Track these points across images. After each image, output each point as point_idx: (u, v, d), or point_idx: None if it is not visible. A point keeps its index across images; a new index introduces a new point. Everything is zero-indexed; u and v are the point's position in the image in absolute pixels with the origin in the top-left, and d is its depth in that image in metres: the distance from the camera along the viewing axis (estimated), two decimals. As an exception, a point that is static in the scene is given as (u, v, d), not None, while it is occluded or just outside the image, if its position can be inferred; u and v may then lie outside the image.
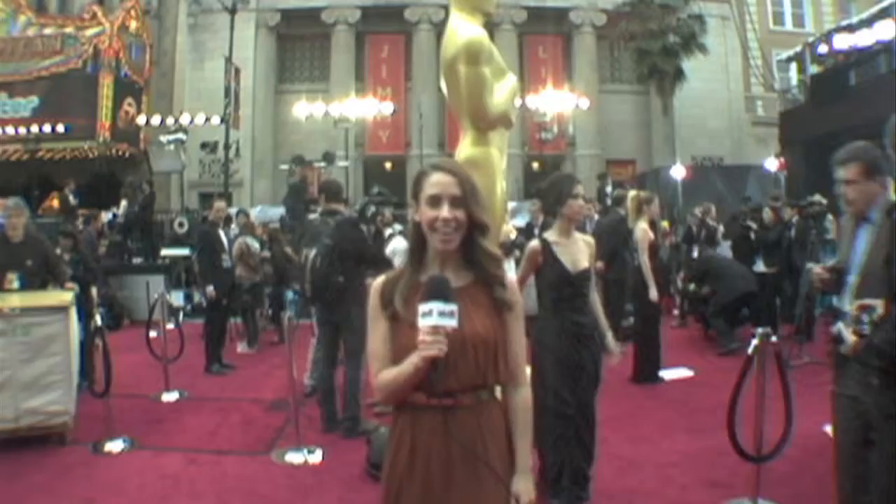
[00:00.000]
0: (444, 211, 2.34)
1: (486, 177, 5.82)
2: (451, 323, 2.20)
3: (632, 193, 9.56)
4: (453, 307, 2.21)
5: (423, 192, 2.40)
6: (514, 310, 2.47)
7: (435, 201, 2.36)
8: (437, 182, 2.39)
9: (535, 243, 4.93)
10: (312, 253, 6.88)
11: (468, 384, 2.35)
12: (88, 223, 14.95)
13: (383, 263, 6.92)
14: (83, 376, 7.77)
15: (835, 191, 4.08)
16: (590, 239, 5.06)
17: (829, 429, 6.28)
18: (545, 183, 5.23)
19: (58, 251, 9.27)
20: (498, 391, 2.51)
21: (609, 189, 17.79)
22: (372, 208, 8.95)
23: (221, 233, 10.03)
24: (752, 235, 11.77)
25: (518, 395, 2.50)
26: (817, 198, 11.34)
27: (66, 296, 7.03)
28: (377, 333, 2.45)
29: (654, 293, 8.51)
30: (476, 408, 2.37)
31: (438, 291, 2.23)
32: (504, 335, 2.43)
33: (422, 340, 2.19)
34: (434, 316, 2.19)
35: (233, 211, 15.32)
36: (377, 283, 2.52)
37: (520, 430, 2.48)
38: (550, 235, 4.90)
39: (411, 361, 2.25)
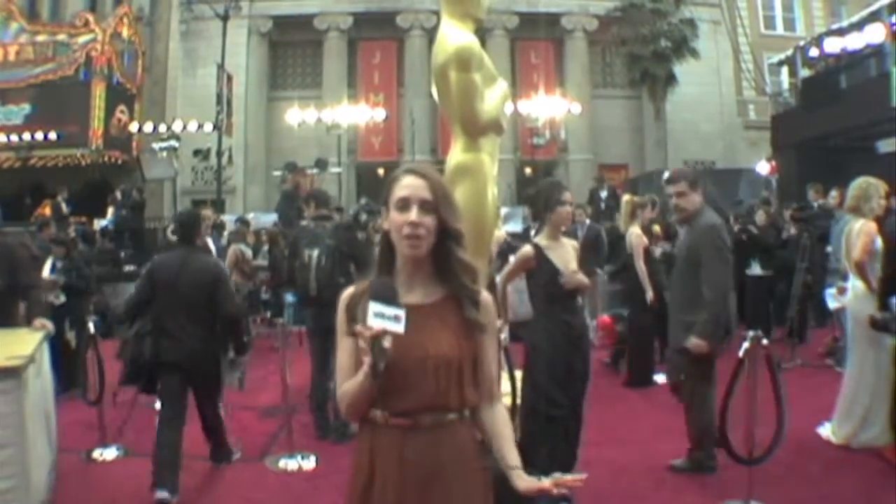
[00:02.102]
0: (413, 214, 2.23)
1: (478, 183, 5.84)
2: (394, 327, 2.11)
3: (625, 198, 9.59)
4: (397, 311, 2.11)
5: (393, 195, 2.29)
6: (486, 331, 2.37)
7: (403, 205, 2.25)
8: (406, 185, 2.27)
9: (527, 248, 4.99)
10: (315, 253, 6.92)
11: (427, 405, 2.25)
12: (84, 236, 14.90)
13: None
14: (76, 384, 7.79)
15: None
16: (575, 244, 5.12)
17: (821, 430, 6.36)
18: (533, 189, 5.28)
19: (51, 260, 9.27)
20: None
21: (603, 194, 17.77)
22: (364, 215, 9.00)
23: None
24: (746, 238, 11.76)
25: (495, 411, 2.40)
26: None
27: (23, 346, 4.84)
28: (343, 347, 2.36)
29: (650, 295, 8.54)
30: (436, 430, 2.27)
31: (377, 293, 2.16)
32: (477, 355, 2.34)
33: (359, 346, 2.13)
34: (370, 318, 2.10)
35: (230, 218, 15.32)
36: (345, 295, 2.43)
37: (505, 436, 2.37)
38: (541, 240, 4.96)
39: (362, 370, 2.17)
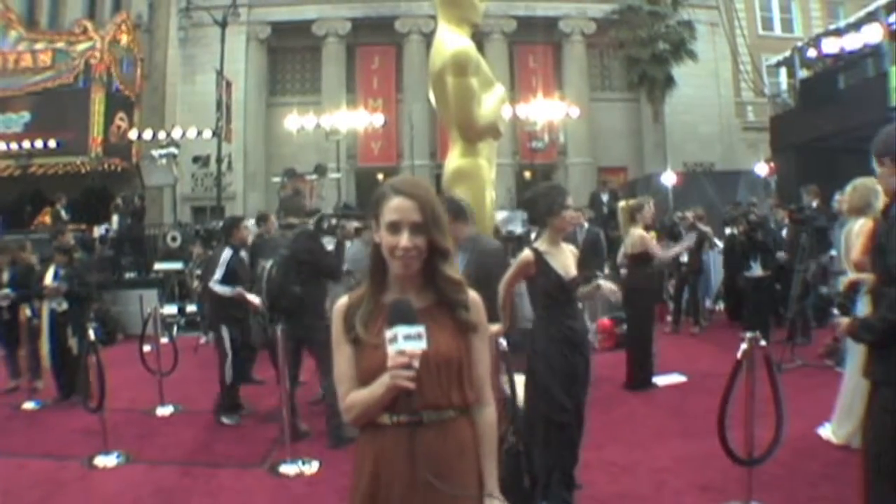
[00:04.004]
0: (404, 239, 2.29)
1: (475, 187, 5.88)
2: (420, 345, 2.18)
3: (622, 204, 9.61)
4: (419, 329, 2.19)
5: (383, 216, 2.34)
6: (478, 330, 2.44)
7: (394, 228, 2.31)
8: (396, 207, 2.32)
9: (527, 253, 4.94)
10: (269, 264, 6.99)
11: (433, 404, 2.31)
12: (83, 243, 14.92)
13: (340, 274, 7.34)
14: (77, 391, 7.80)
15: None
16: (574, 249, 5.11)
17: (821, 431, 6.36)
18: (532, 193, 5.24)
19: (53, 268, 9.28)
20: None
21: (605, 197, 17.77)
22: (330, 221, 9.06)
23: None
24: (746, 239, 11.74)
25: (483, 414, 2.46)
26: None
27: None
28: (342, 356, 2.41)
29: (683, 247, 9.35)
30: (441, 426, 2.33)
31: (401, 315, 2.21)
32: (469, 356, 2.41)
33: (390, 367, 2.17)
34: (399, 341, 2.17)
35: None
36: (339, 305, 2.47)
37: (487, 450, 2.44)
38: (541, 245, 4.94)
39: (383, 383, 2.22)
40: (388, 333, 2.19)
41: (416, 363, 2.17)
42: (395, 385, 2.17)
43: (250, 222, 14.77)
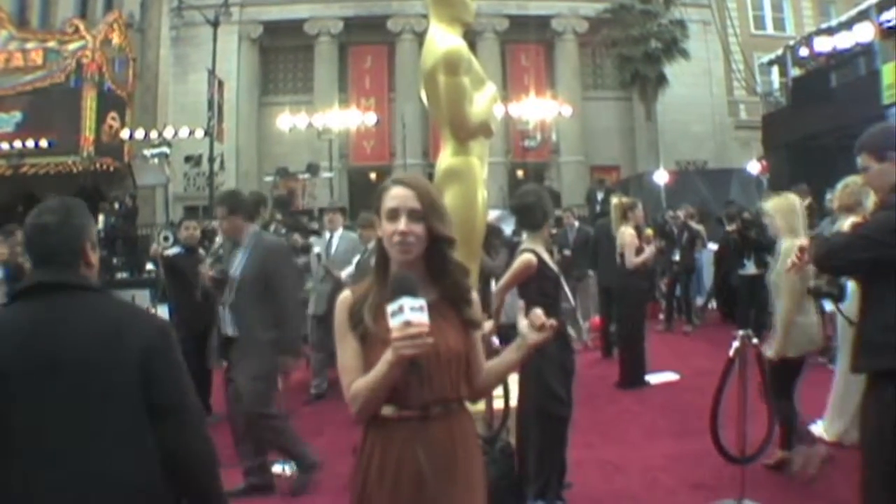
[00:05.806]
0: (401, 224, 2.33)
1: (468, 186, 5.86)
2: (423, 318, 2.15)
3: (614, 201, 9.61)
4: (422, 301, 2.17)
5: (383, 206, 2.39)
6: (479, 328, 2.54)
7: (393, 215, 2.36)
8: (395, 196, 2.37)
9: (528, 256, 4.96)
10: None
11: (441, 397, 2.36)
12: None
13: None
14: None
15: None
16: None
17: (813, 428, 6.37)
18: (526, 201, 5.19)
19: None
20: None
21: (600, 196, 17.79)
22: (282, 230, 8.99)
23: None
24: (739, 238, 11.72)
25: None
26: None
27: None
28: (347, 348, 2.42)
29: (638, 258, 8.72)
30: (447, 419, 2.38)
31: (405, 287, 2.20)
32: (472, 351, 2.48)
33: (394, 338, 2.14)
34: (406, 312, 2.14)
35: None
36: (343, 298, 2.49)
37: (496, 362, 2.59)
38: (535, 247, 4.99)
39: (386, 359, 2.20)
40: (392, 306, 2.16)
41: (426, 333, 2.15)
42: (401, 356, 2.15)
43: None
